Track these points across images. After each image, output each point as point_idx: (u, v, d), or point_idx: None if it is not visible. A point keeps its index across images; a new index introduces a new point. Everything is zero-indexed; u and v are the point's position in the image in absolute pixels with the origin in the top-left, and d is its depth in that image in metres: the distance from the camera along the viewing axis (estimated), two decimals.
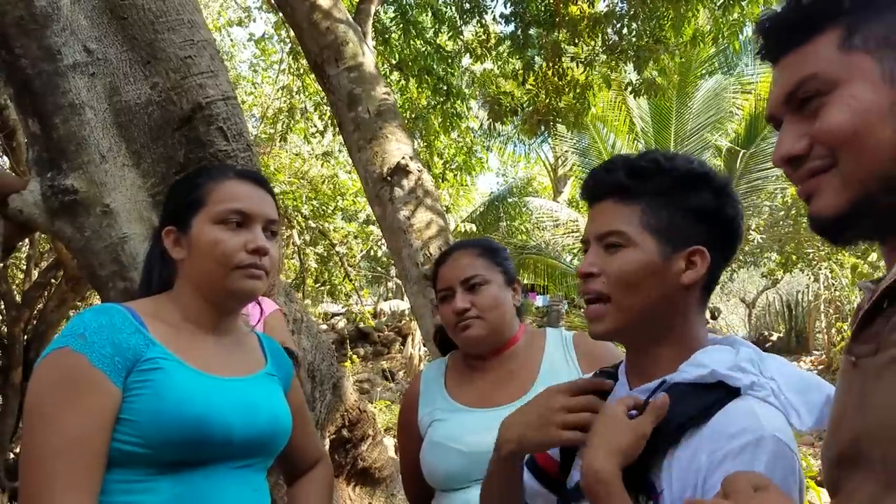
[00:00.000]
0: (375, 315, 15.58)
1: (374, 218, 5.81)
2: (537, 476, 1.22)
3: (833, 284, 11.59)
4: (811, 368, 11.63)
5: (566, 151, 14.99)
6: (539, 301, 14.77)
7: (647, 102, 11.95)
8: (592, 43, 6.12)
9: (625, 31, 6.00)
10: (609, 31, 6.08)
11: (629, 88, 6.54)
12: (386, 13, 6.90)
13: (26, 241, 6.66)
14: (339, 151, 11.23)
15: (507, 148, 18.63)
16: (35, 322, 6.52)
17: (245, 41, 23.33)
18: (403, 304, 15.01)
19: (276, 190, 9.81)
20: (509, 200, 16.20)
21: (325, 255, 11.35)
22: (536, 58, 6.47)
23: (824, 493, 4.94)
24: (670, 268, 1.06)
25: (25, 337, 6.26)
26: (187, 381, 1.20)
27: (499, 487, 1.22)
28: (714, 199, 1.08)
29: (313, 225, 10.57)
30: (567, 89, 6.35)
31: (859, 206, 0.75)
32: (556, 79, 6.31)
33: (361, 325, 14.00)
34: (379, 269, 16.08)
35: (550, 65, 6.23)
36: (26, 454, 1.12)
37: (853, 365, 0.75)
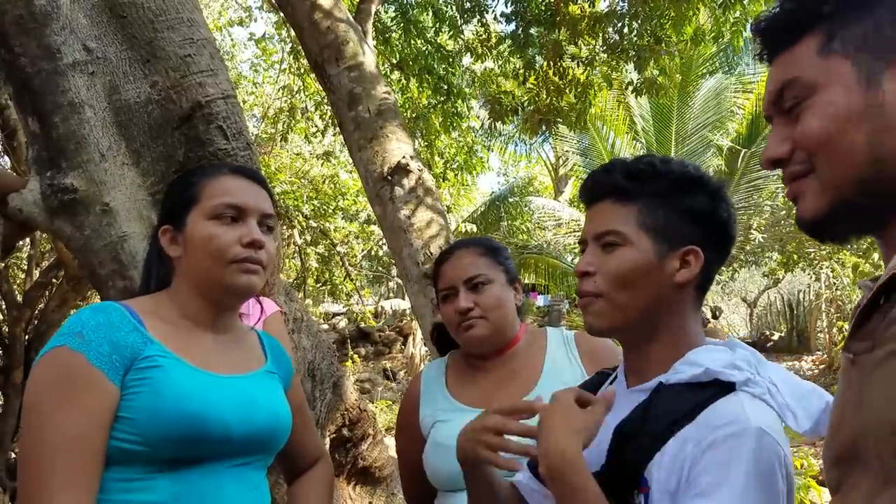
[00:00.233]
0: (376, 315, 15.60)
1: (374, 217, 5.81)
2: (538, 476, 1.22)
3: (834, 284, 11.58)
4: (812, 368, 11.62)
5: (567, 151, 14.98)
6: (540, 301, 14.79)
7: (648, 102, 11.96)
8: (593, 42, 6.11)
9: (625, 30, 6.00)
10: (610, 30, 6.07)
11: (630, 88, 6.54)
12: (386, 12, 6.90)
13: (28, 240, 6.66)
14: (340, 151, 11.23)
15: (507, 147, 18.62)
16: (36, 322, 6.52)
17: (246, 41, 23.37)
18: (404, 304, 15.02)
19: (277, 190, 9.85)
20: (510, 200, 16.21)
21: (326, 254, 11.35)
22: (537, 57, 6.46)
23: (825, 493, 4.93)
24: (665, 267, 1.08)
25: (27, 337, 6.26)
26: (185, 378, 1.19)
27: (472, 489, 1.25)
28: (709, 202, 1.11)
29: (314, 225, 10.57)
30: (568, 89, 6.34)
31: (838, 209, 0.77)
32: (556, 78, 6.30)
33: (362, 324, 14.01)
34: (380, 268, 16.07)
35: (551, 64, 6.22)
36: (24, 452, 1.12)
37: (851, 362, 0.75)
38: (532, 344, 1.74)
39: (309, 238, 11.04)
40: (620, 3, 6.14)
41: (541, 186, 20.34)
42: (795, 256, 11.96)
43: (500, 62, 7.88)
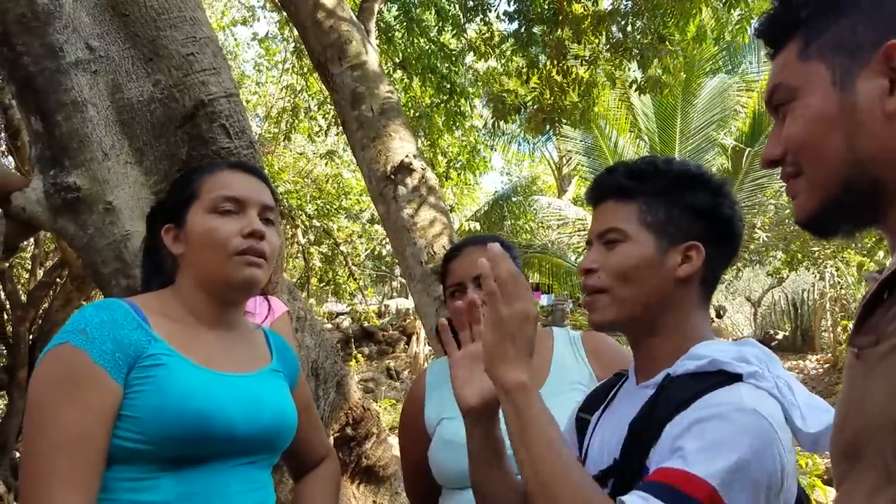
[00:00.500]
0: (380, 314, 15.59)
1: (378, 216, 5.81)
2: None
3: (839, 283, 11.55)
4: (817, 367, 11.59)
5: (570, 151, 14.95)
6: (544, 300, 14.76)
7: (652, 101, 11.93)
8: (596, 41, 6.10)
9: (629, 28, 5.99)
10: (613, 28, 6.06)
11: (634, 86, 6.52)
12: (389, 11, 6.90)
13: (32, 240, 6.67)
14: (343, 150, 11.23)
15: (511, 147, 18.61)
16: (40, 321, 6.53)
17: (249, 41, 23.38)
18: (408, 303, 15.02)
19: (281, 189, 9.84)
20: (513, 199, 16.19)
21: (330, 254, 11.35)
22: (540, 56, 6.46)
23: (832, 493, 4.92)
24: (666, 262, 1.10)
25: (31, 336, 6.27)
26: (189, 376, 1.19)
27: (473, 442, 1.16)
28: (710, 199, 1.13)
29: (317, 224, 10.58)
30: (571, 87, 6.33)
31: (828, 208, 0.78)
32: (560, 77, 6.29)
33: (366, 324, 14.00)
34: (383, 267, 16.09)
35: (554, 63, 6.21)
36: (26, 450, 1.11)
37: (856, 357, 0.74)
38: (539, 343, 1.73)
39: (312, 237, 11.04)
40: (624, 2, 6.13)
41: (544, 186, 20.31)
42: (800, 255, 11.93)
43: (503, 61, 7.87)
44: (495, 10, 6.86)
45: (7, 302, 6.50)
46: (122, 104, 2.24)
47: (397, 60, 6.98)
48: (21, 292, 6.73)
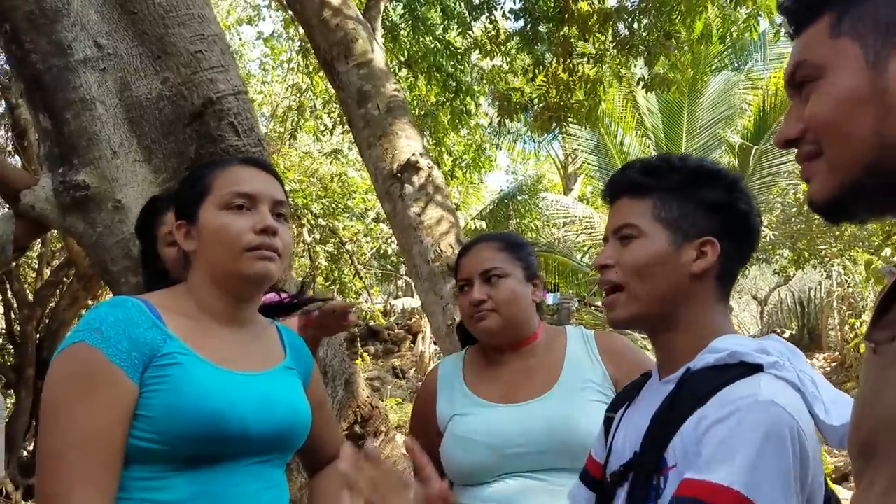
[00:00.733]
0: (386, 313, 15.59)
1: (384, 215, 5.81)
2: (589, 485, 1.23)
3: (846, 281, 11.50)
4: (824, 366, 11.55)
5: (576, 149, 14.92)
6: (549, 299, 14.68)
7: (658, 99, 11.89)
8: (602, 38, 6.09)
9: (635, 25, 5.97)
10: (619, 26, 6.04)
11: (640, 84, 6.51)
12: (395, 10, 6.90)
13: (38, 239, 6.70)
14: (349, 149, 11.24)
15: (516, 145, 18.59)
16: (47, 320, 6.56)
17: (254, 40, 23.37)
18: (414, 302, 15.01)
19: (286, 188, 9.92)
20: (519, 198, 16.17)
21: (336, 253, 11.37)
22: (546, 54, 6.44)
23: (843, 491, 4.90)
24: (681, 257, 1.10)
25: (38, 335, 6.30)
26: (204, 376, 1.18)
27: None
28: (725, 194, 1.13)
29: (323, 223, 10.59)
30: (577, 85, 6.32)
31: (848, 191, 0.75)
32: (566, 75, 6.28)
33: (372, 323, 14.01)
34: (389, 266, 16.09)
35: (560, 61, 6.20)
36: (43, 450, 1.10)
37: (874, 352, 0.73)
38: (552, 341, 1.74)
39: (318, 236, 11.06)
40: None
41: (549, 184, 20.28)
42: (806, 254, 11.88)
43: (508, 59, 7.86)
44: (501, 7, 6.87)
45: (14, 301, 6.52)
46: (130, 102, 2.24)
47: (403, 59, 6.98)
48: (28, 291, 6.76)
